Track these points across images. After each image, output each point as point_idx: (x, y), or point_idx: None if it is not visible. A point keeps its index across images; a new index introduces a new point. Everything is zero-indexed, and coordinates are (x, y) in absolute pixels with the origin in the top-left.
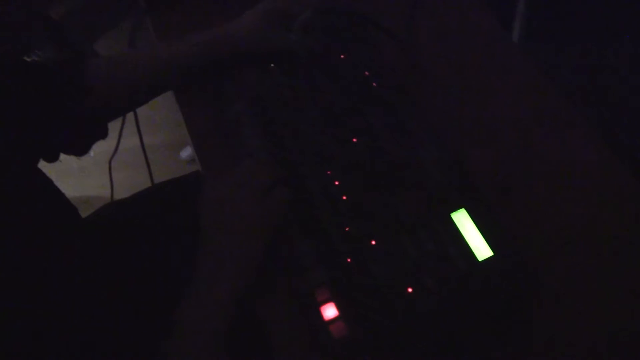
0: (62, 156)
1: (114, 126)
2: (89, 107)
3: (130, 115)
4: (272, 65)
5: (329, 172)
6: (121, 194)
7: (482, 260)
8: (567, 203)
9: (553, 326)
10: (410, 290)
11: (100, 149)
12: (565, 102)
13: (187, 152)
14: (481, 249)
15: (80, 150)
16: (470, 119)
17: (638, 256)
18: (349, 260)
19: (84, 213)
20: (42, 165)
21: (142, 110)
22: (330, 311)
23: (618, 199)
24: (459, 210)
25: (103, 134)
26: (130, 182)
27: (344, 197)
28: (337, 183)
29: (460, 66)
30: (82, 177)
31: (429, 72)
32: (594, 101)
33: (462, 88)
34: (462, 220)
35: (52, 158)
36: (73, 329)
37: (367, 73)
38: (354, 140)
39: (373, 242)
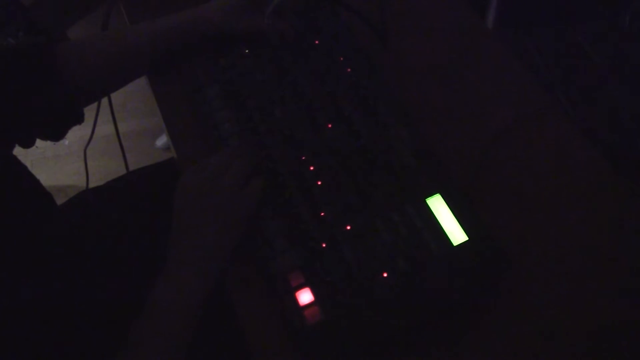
0: (38, 144)
1: (89, 114)
2: (61, 91)
3: (105, 103)
4: (246, 51)
5: (303, 158)
6: (97, 182)
7: (457, 245)
8: (542, 189)
9: (526, 310)
10: (385, 275)
11: (74, 137)
12: (540, 88)
13: (162, 140)
14: (456, 234)
15: (56, 135)
16: (442, 104)
17: (611, 240)
18: (323, 245)
19: (59, 201)
20: (17, 153)
21: (117, 98)
22: (305, 296)
23: (592, 183)
24: (434, 196)
25: (79, 120)
26: (105, 170)
27: (319, 183)
28: (311, 168)
29: (435, 54)
30: (57, 166)
31: (405, 60)
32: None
33: (437, 77)
34: (437, 205)
35: (28, 144)
36: (48, 317)
37: (341, 58)
38: (329, 126)
39: (348, 227)
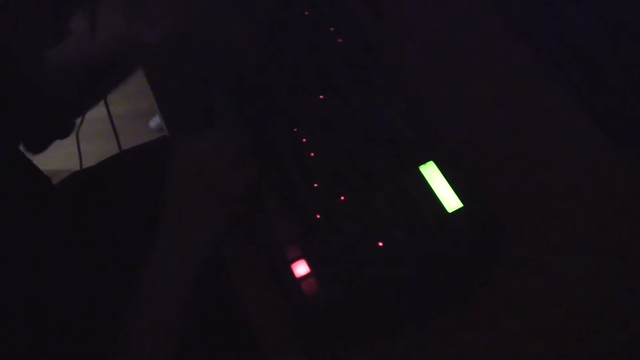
0: None
1: None
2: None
3: None
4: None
5: (295, 130)
6: (90, 165)
7: (452, 212)
8: (540, 158)
9: (521, 277)
10: (380, 244)
11: None
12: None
13: (155, 122)
14: (450, 201)
15: (35, 148)
16: (436, 76)
17: (610, 209)
18: (318, 216)
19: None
20: None
21: None
22: (301, 268)
23: (591, 157)
24: (428, 163)
25: (64, 134)
26: (99, 152)
27: (312, 154)
28: (304, 140)
29: (432, 28)
30: (50, 150)
31: (399, 31)
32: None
33: (432, 50)
34: (431, 173)
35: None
36: (43, 298)
37: (332, 29)
38: (321, 97)
39: (342, 198)
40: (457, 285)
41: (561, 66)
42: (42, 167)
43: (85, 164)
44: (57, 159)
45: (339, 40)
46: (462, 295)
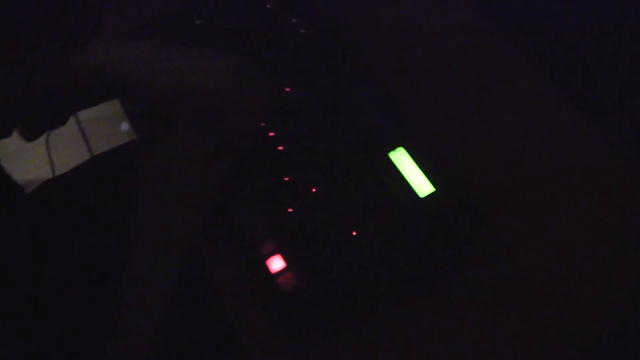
0: None
1: None
2: None
3: None
4: (197, 22)
5: (262, 124)
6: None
7: (425, 197)
8: (517, 138)
9: (498, 260)
10: (354, 233)
11: None
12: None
13: (127, 125)
14: (422, 186)
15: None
16: (408, 58)
17: (587, 196)
18: (290, 210)
19: None
20: None
21: None
22: (276, 263)
23: (569, 137)
24: (397, 149)
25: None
26: (71, 159)
27: (280, 148)
28: (271, 134)
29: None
30: (21, 160)
31: (365, 15)
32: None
33: (400, 30)
34: (401, 158)
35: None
36: (17, 307)
37: (294, 20)
38: (287, 89)
39: (314, 190)
40: (433, 270)
41: (537, 48)
42: (16, 179)
43: (60, 171)
44: (30, 169)
45: (302, 31)
46: (437, 279)
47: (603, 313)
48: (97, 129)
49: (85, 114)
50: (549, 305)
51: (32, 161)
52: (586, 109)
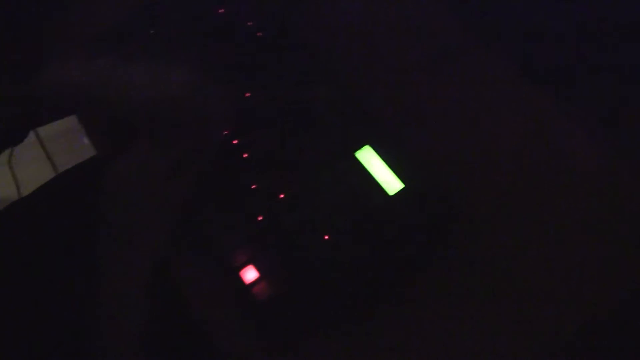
0: None
1: None
2: None
3: None
4: (151, 31)
5: (226, 132)
6: (30, 191)
7: (394, 195)
8: (485, 132)
9: (473, 255)
10: (326, 237)
11: None
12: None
13: (88, 139)
14: (391, 183)
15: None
16: (365, 54)
17: (564, 182)
18: (260, 218)
19: None
20: None
21: None
22: (250, 274)
23: (541, 129)
24: (363, 148)
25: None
26: (37, 178)
27: (245, 155)
28: (235, 142)
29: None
30: None
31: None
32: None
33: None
34: (368, 157)
35: None
36: None
37: (249, 23)
38: (247, 95)
39: (281, 196)
40: (409, 268)
41: (508, 41)
42: None
43: (27, 191)
44: None
45: (259, 34)
46: (415, 277)
47: (581, 309)
48: (59, 145)
49: (45, 130)
50: (526, 299)
51: None
52: (559, 97)
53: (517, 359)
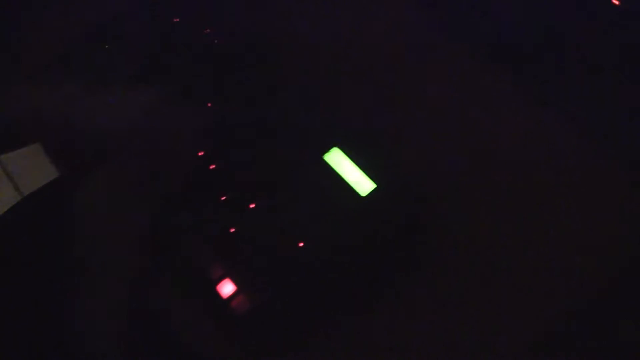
0: None
1: None
2: None
3: None
4: (106, 46)
5: (200, 153)
6: None
7: (366, 195)
8: (452, 129)
9: (449, 250)
10: (301, 244)
11: None
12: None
13: (52, 163)
14: (363, 184)
15: None
16: (325, 49)
17: (535, 179)
18: (232, 230)
19: None
20: None
21: None
22: (227, 288)
23: (510, 127)
24: (332, 150)
25: None
26: (4, 201)
27: (212, 166)
28: (200, 154)
29: None
30: None
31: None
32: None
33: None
34: (337, 159)
35: None
36: None
37: (207, 30)
38: (209, 105)
39: (252, 205)
40: (386, 269)
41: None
42: None
43: None
44: None
45: (216, 41)
46: (394, 278)
47: (554, 307)
48: (23, 169)
49: (8, 155)
50: (502, 293)
51: None
52: (530, 88)
53: (498, 352)
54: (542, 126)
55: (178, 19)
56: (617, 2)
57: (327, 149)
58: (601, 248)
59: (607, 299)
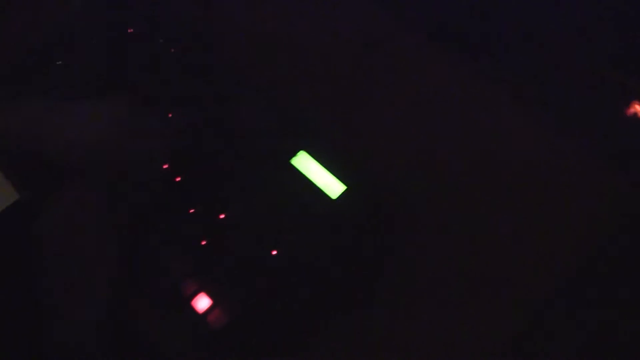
0: None
1: None
2: None
3: None
4: (58, 62)
5: (165, 166)
6: None
7: (337, 198)
8: (416, 124)
9: (424, 251)
10: (274, 252)
11: None
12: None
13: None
14: (333, 187)
15: None
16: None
17: (505, 178)
18: (203, 242)
19: None
20: None
21: None
22: (202, 302)
23: (479, 115)
24: (298, 154)
25: None
26: None
27: (177, 179)
28: (165, 167)
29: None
30: None
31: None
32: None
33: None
34: (305, 163)
35: None
36: None
37: (161, 40)
38: (169, 115)
39: (222, 216)
40: (361, 273)
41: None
42: None
43: None
44: None
45: (172, 50)
46: (366, 281)
47: (526, 310)
48: None
49: None
50: (474, 292)
51: None
52: (491, 78)
53: (467, 352)
54: (514, 123)
55: (132, 30)
56: None
57: (293, 153)
58: (581, 243)
59: (594, 294)
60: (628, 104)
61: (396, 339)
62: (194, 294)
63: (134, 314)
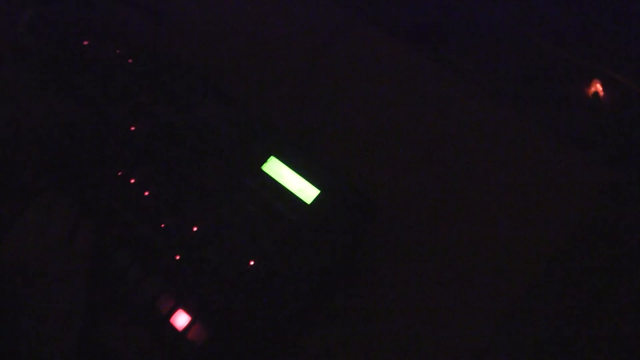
0: None
1: None
2: None
3: None
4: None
5: (119, 173)
6: None
7: (312, 202)
8: (386, 126)
9: (397, 250)
10: (252, 263)
11: None
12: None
13: None
14: (307, 191)
15: None
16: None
17: (478, 176)
18: (177, 257)
19: None
20: None
21: None
22: (181, 319)
23: (448, 108)
24: (269, 160)
25: None
26: None
27: (146, 193)
28: (132, 181)
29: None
30: None
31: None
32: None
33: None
34: (276, 168)
35: None
36: None
37: (118, 51)
38: (132, 128)
39: (195, 229)
40: (339, 275)
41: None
42: None
43: None
44: None
45: (129, 60)
46: (345, 283)
47: (505, 310)
48: None
49: None
50: (450, 290)
51: None
52: (455, 69)
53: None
54: (490, 119)
55: (87, 42)
56: None
57: (264, 159)
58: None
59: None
60: (589, 84)
61: (375, 343)
62: (172, 311)
63: (110, 334)
